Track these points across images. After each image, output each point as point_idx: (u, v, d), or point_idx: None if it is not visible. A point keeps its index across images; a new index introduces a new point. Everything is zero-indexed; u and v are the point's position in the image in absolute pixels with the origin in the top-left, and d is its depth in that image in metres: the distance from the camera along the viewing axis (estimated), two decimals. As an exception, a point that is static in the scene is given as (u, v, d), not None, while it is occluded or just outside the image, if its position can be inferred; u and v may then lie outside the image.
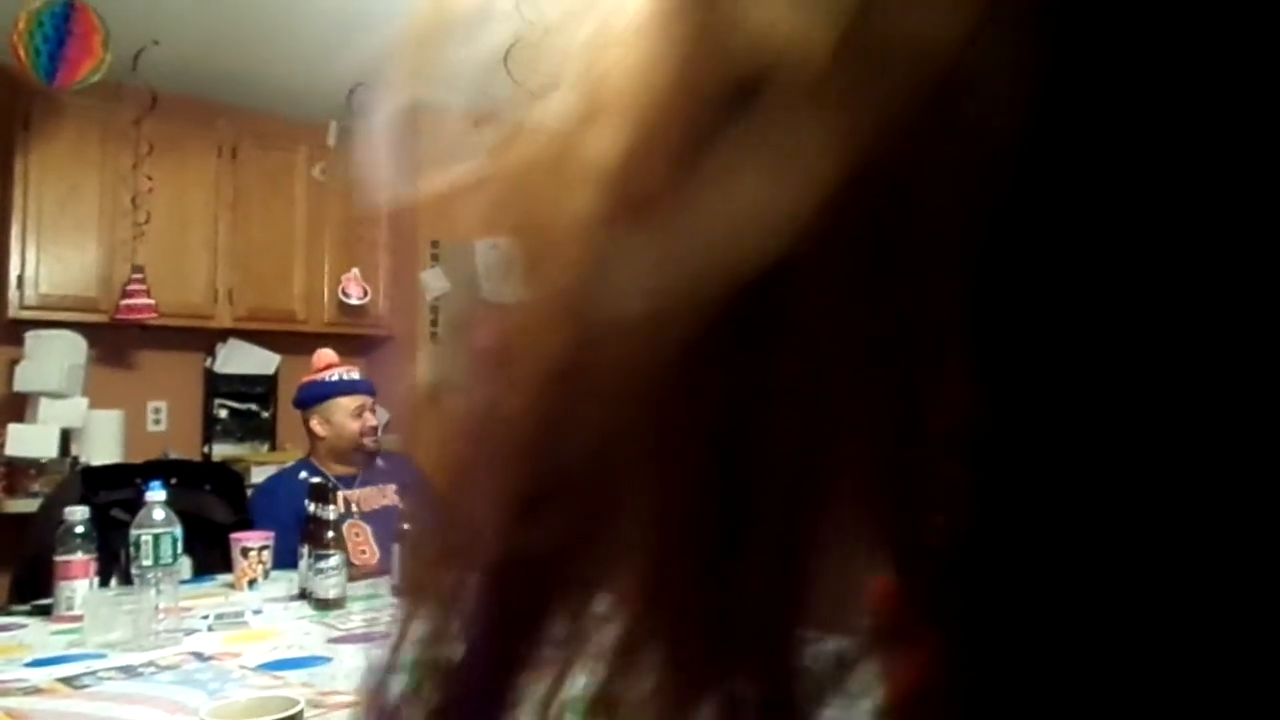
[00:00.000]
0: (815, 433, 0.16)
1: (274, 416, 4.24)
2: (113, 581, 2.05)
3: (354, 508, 2.59)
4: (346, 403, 2.63)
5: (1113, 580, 0.15)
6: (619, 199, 0.17)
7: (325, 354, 2.75)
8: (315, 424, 2.64)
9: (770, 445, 0.16)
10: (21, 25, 2.92)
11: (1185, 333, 0.14)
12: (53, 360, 3.57)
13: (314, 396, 2.66)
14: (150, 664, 1.56)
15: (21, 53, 2.93)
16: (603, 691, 0.17)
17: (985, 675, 0.16)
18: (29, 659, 1.60)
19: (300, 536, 2.06)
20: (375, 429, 2.69)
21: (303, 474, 2.55)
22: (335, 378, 2.68)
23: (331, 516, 2.03)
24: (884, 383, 0.16)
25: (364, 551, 2.50)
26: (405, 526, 2.13)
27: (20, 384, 3.57)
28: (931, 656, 0.16)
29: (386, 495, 2.59)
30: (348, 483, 2.62)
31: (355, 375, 2.74)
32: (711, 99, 0.16)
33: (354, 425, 2.62)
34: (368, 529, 2.55)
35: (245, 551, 2.16)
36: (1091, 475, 0.15)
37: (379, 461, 2.71)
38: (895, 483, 0.16)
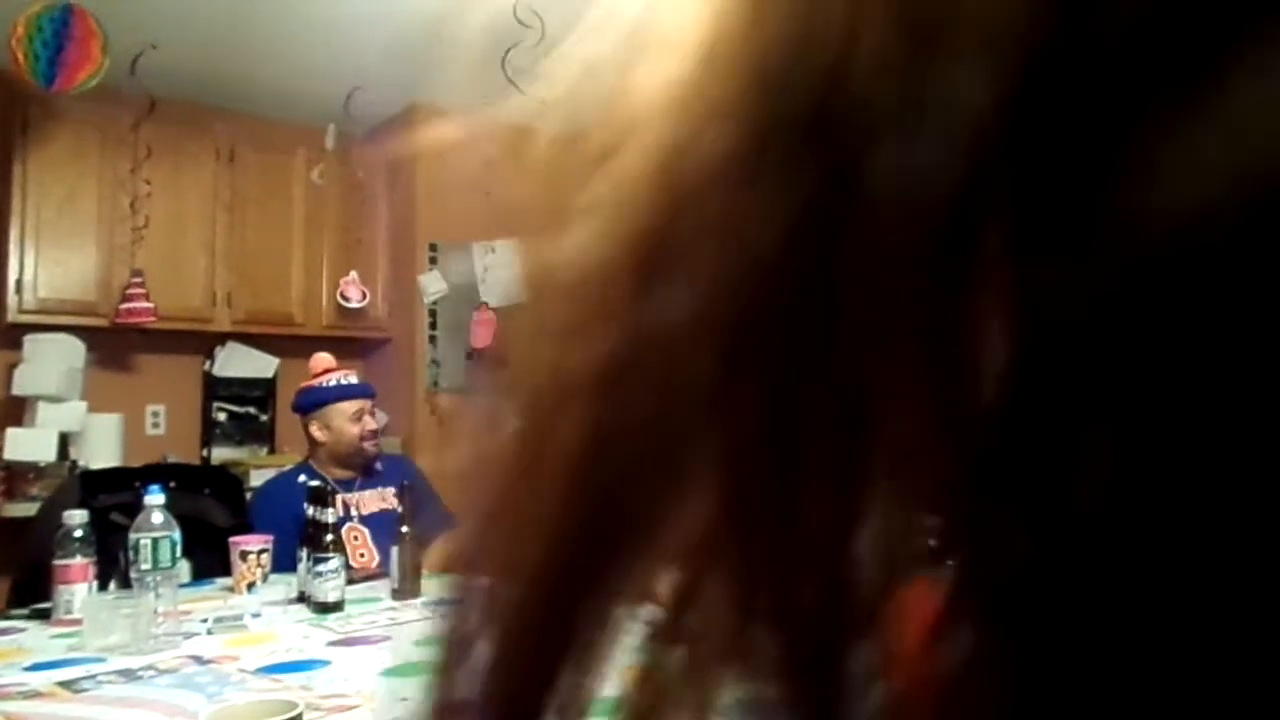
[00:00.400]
0: (869, 364, 0.16)
1: (273, 420, 4.24)
2: (111, 585, 2.04)
3: (353, 511, 2.59)
4: (345, 407, 2.63)
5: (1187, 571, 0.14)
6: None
7: (323, 358, 2.74)
8: (315, 429, 2.64)
9: (826, 374, 0.16)
10: (20, 30, 2.92)
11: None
12: (51, 364, 3.57)
13: (312, 402, 2.65)
14: (149, 668, 1.56)
15: (20, 57, 2.93)
16: (663, 629, 0.18)
17: (1033, 661, 0.15)
18: (28, 663, 1.60)
19: (299, 540, 2.06)
20: (375, 433, 2.69)
21: (301, 477, 2.55)
22: (333, 382, 2.67)
23: (330, 520, 2.03)
24: (936, 316, 0.16)
25: (363, 554, 2.50)
26: (404, 529, 2.14)
27: (19, 388, 3.57)
28: (974, 640, 0.16)
29: (385, 499, 2.59)
30: (347, 486, 2.62)
31: (353, 379, 2.75)
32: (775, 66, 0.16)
33: (353, 430, 2.62)
34: (366, 532, 2.55)
35: (244, 555, 2.16)
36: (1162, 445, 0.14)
37: (377, 465, 2.71)
38: (948, 420, 0.16)
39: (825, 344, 0.16)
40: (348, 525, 2.56)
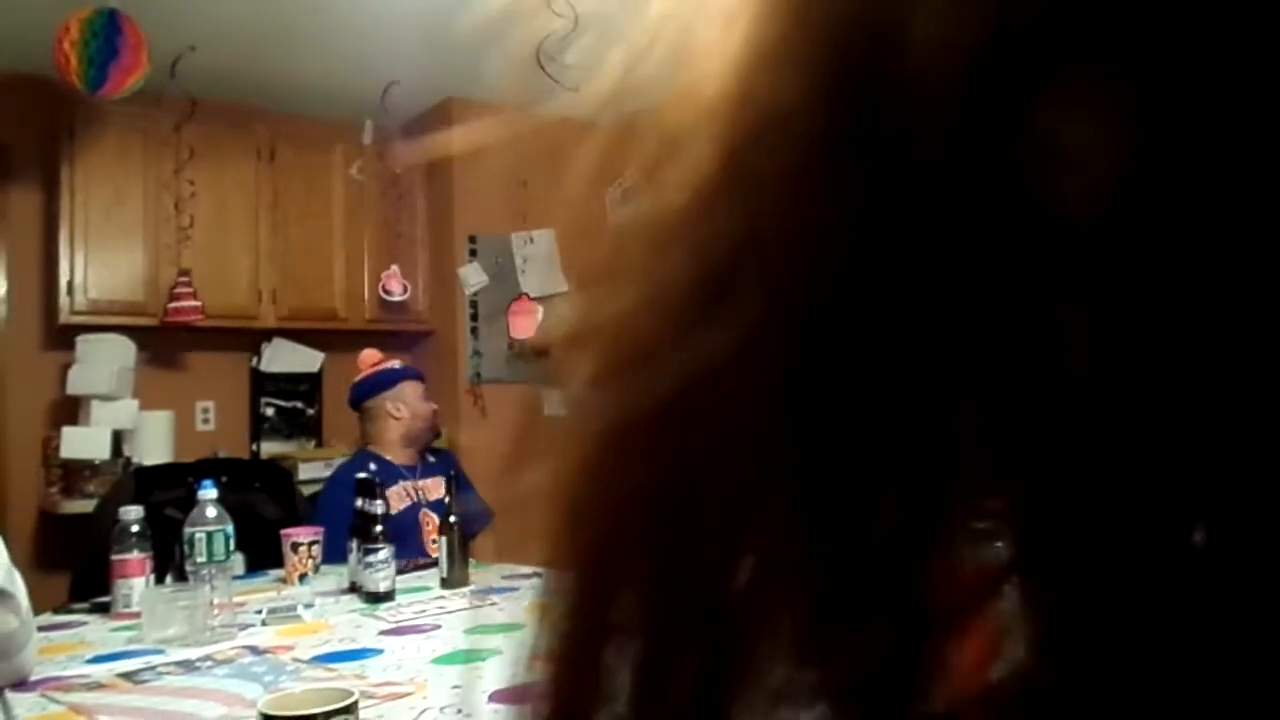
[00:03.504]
0: (936, 376, 0.16)
1: (319, 413, 4.29)
2: (168, 578, 2.09)
3: (422, 496, 2.64)
4: (416, 385, 2.75)
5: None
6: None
7: (372, 353, 2.81)
8: (390, 408, 2.70)
9: (899, 356, 0.16)
10: (75, 33, 2.93)
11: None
12: (103, 364, 3.64)
13: (386, 381, 2.73)
14: (207, 658, 1.59)
15: (74, 61, 2.94)
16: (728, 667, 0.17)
17: (1089, 646, 0.15)
18: (90, 655, 1.64)
19: (349, 530, 2.09)
20: (436, 411, 2.77)
21: (372, 465, 2.59)
22: (397, 366, 2.79)
23: (379, 510, 2.06)
24: (1001, 332, 0.15)
25: (434, 540, 2.52)
26: (451, 519, 2.16)
27: (73, 387, 3.64)
28: (1029, 645, 0.16)
29: (440, 487, 2.62)
30: (413, 472, 2.67)
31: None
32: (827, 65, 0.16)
33: (427, 406, 2.74)
34: (435, 518, 2.59)
35: (295, 547, 2.20)
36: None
37: (430, 456, 2.76)
38: (1014, 440, 0.16)
39: (897, 358, 0.16)
40: (421, 511, 2.61)
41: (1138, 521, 0.15)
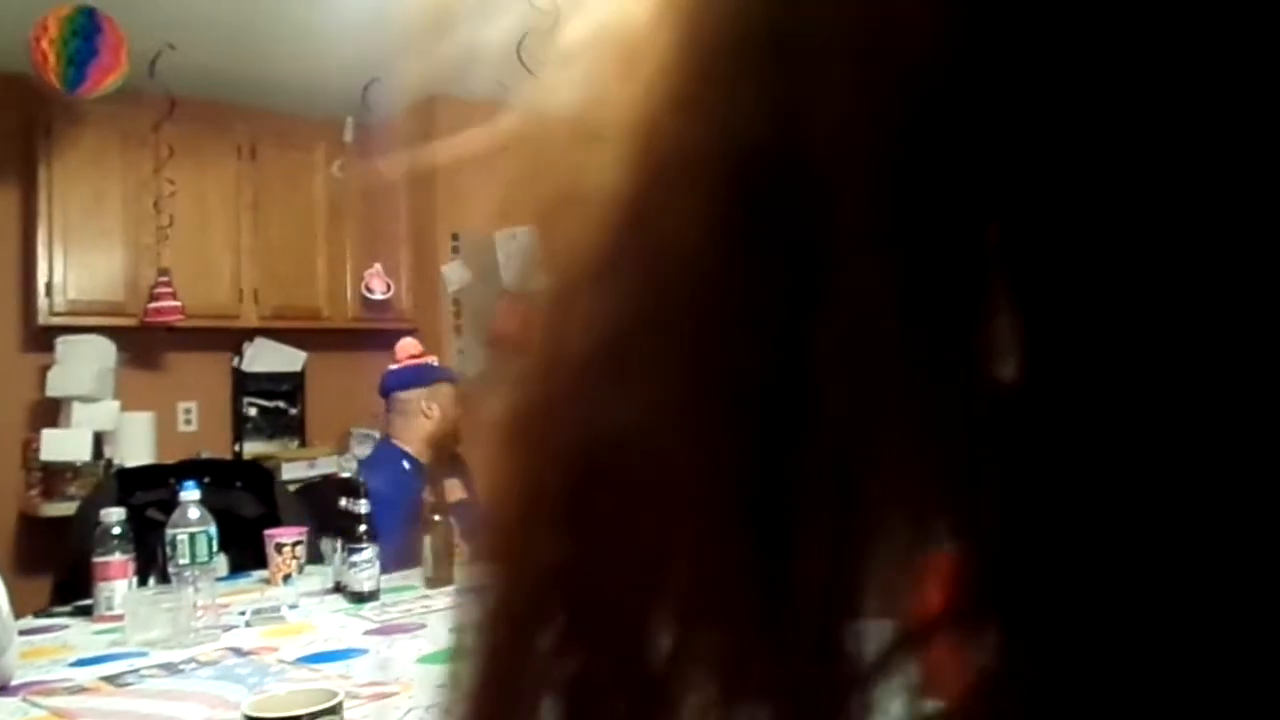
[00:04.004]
0: (861, 398, 0.15)
1: (302, 413, 4.27)
2: (150, 581, 2.07)
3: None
4: (451, 390, 2.65)
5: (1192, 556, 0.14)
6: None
7: (412, 343, 2.76)
8: (425, 406, 2.63)
9: (815, 413, 0.16)
10: (53, 31, 2.90)
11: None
12: (83, 365, 3.62)
13: (426, 378, 2.66)
14: (190, 660, 1.58)
15: (53, 60, 2.90)
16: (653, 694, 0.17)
17: (1051, 666, 0.15)
18: (72, 659, 1.63)
19: (334, 529, 2.08)
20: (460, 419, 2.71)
21: (405, 464, 2.55)
22: (436, 363, 2.70)
23: (363, 510, 2.05)
24: (925, 337, 0.15)
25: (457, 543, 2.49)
26: (435, 517, 2.15)
27: (52, 389, 3.62)
28: (993, 645, 0.16)
29: (460, 490, 2.59)
30: (435, 471, 2.62)
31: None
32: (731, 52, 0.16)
33: (456, 413, 2.64)
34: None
35: (279, 547, 2.19)
36: (1153, 431, 0.14)
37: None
38: (945, 447, 0.16)
39: (807, 410, 0.16)
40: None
41: (1091, 558, 0.15)
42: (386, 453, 2.68)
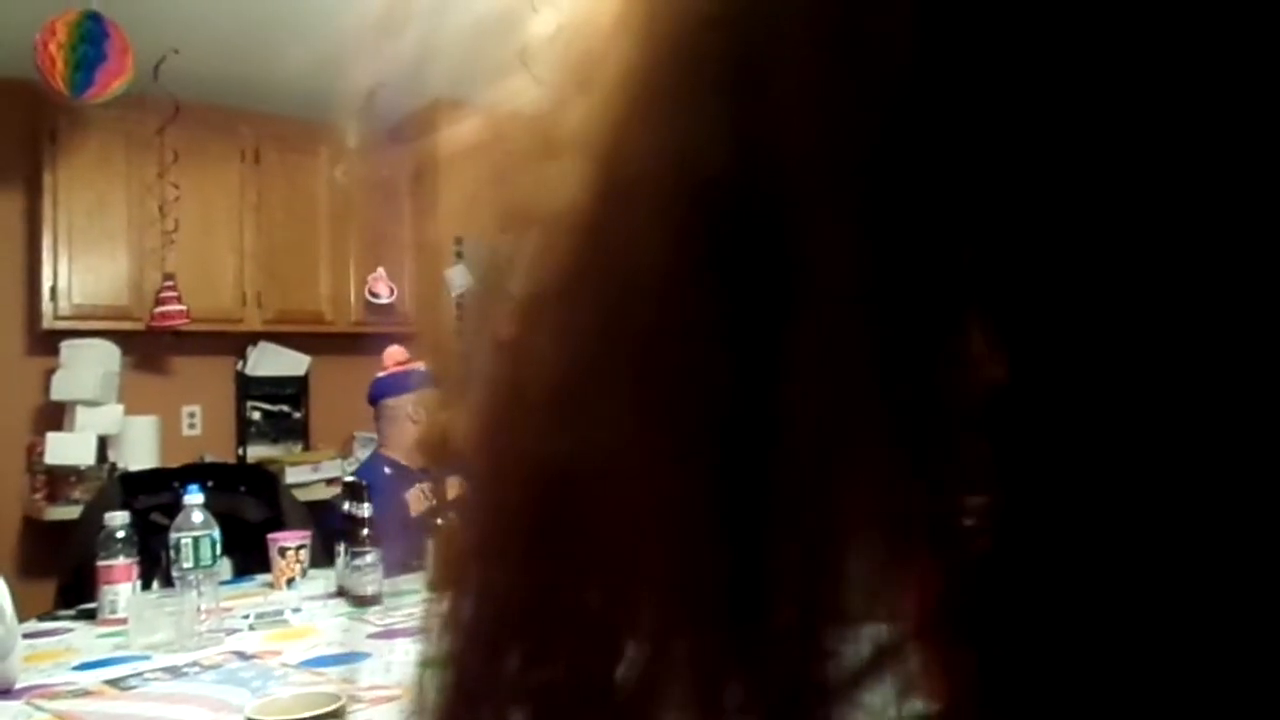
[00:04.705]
0: (830, 415, 0.15)
1: (306, 417, 4.27)
2: (154, 584, 2.07)
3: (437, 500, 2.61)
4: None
5: (1158, 573, 0.14)
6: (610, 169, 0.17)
7: (399, 351, 2.78)
8: (412, 411, 2.64)
9: (785, 430, 0.15)
10: (62, 37, 2.90)
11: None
12: (88, 369, 3.62)
13: (412, 383, 2.66)
14: (194, 664, 1.58)
15: (60, 64, 2.90)
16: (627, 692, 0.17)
17: (1021, 684, 0.15)
18: (76, 662, 1.63)
19: (337, 534, 2.08)
20: None
21: (386, 469, 2.57)
22: (423, 369, 2.72)
23: (366, 514, 2.05)
24: (896, 350, 0.15)
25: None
26: (439, 521, 2.15)
27: (57, 393, 3.62)
28: (966, 658, 0.16)
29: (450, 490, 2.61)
30: (429, 475, 2.64)
31: None
32: (694, 61, 0.16)
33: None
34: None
35: (283, 551, 2.19)
36: (1125, 447, 0.14)
37: None
38: (918, 460, 0.16)
39: (777, 435, 0.16)
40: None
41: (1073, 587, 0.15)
42: (369, 461, 2.70)
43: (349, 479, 2.25)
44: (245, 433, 4.18)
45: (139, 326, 3.78)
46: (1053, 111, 0.14)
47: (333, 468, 3.86)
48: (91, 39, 2.92)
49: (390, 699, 1.36)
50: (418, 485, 2.61)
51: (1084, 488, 0.15)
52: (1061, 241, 0.15)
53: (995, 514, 0.16)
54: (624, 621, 0.17)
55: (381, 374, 2.75)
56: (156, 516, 2.41)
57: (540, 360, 0.17)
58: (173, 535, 1.92)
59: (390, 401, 2.70)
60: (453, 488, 0.20)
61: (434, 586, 0.19)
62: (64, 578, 2.46)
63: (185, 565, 1.87)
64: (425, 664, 0.19)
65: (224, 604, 1.88)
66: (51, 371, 3.64)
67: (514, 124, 0.19)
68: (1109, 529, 0.15)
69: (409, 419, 2.66)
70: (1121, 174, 0.14)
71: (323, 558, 2.24)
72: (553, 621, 0.18)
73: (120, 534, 1.94)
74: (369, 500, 2.09)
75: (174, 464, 3.21)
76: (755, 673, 0.16)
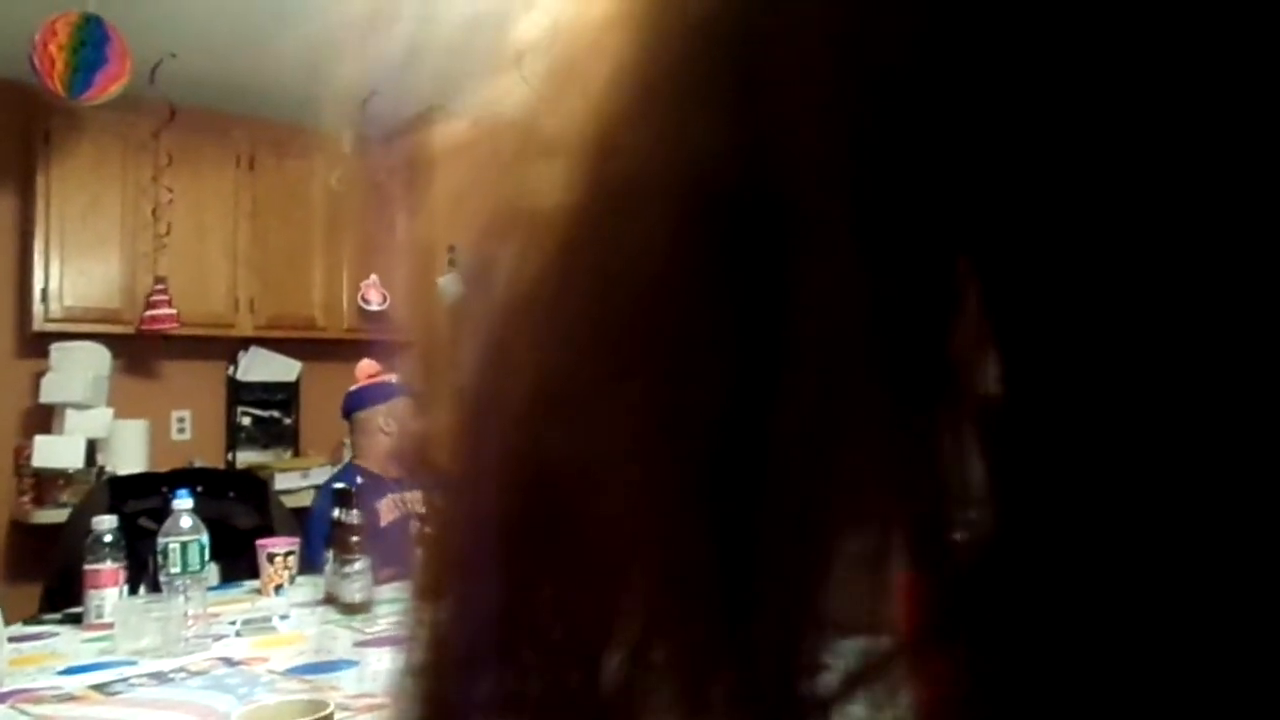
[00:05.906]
0: (825, 420, 0.15)
1: (296, 423, 4.26)
2: (141, 589, 2.07)
3: (414, 508, 2.62)
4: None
5: (1146, 582, 0.14)
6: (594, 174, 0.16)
7: (371, 364, 2.80)
8: (382, 422, 2.67)
9: (778, 435, 0.15)
10: (63, 38, 2.89)
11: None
12: (78, 371, 3.61)
13: (381, 396, 2.69)
14: (180, 670, 1.58)
15: (60, 65, 2.89)
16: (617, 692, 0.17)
17: (1011, 690, 0.15)
18: (61, 667, 1.62)
19: (326, 541, 2.07)
20: None
21: (358, 478, 2.57)
22: (394, 381, 2.74)
23: (356, 521, 2.05)
24: (892, 358, 0.15)
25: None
26: (426, 530, 2.15)
27: (46, 395, 3.60)
28: (956, 667, 0.16)
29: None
30: (403, 484, 2.64)
31: None
32: (677, 63, 0.16)
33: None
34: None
35: (271, 558, 2.18)
36: (1120, 458, 0.14)
37: None
38: (911, 468, 0.16)
39: (768, 447, 0.15)
40: (413, 522, 2.58)
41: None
42: (341, 473, 2.71)
43: (339, 486, 2.24)
44: (235, 438, 4.16)
45: (130, 330, 3.77)
46: (1056, 115, 0.15)
47: (322, 474, 3.85)
48: (93, 42, 2.92)
49: (377, 707, 1.35)
50: (389, 495, 2.61)
51: (1079, 499, 0.15)
52: (1061, 248, 0.15)
53: (988, 525, 0.16)
54: (610, 623, 0.17)
55: (353, 388, 2.77)
56: (144, 521, 2.40)
57: (529, 362, 0.17)
58: (160, 540, 1.91)
59: (362, 414, 2.73)
60: (431, 496, 0.19)
61: (415, 594, 0.19)
62: (50, 581, 2.44)
63: (173, 570, 1.86)
64: (408, 672, 0.19)
65: (211, 610, 1.87)
66: (41, 374, 3.63)
67: (503, 124, 0.19)
68: (1104, 540, 0.15)
69: (380, 431, 2.68)
70: (1122, 181, 0.14)
71: (305, 564, 2.24)
72: (536, 626, 0.17)
73: (108, 538, 1.93)
74: (359, 508, 2.08)
75: (163, 468, 3.20)
76: (744, 674, 0.16)
